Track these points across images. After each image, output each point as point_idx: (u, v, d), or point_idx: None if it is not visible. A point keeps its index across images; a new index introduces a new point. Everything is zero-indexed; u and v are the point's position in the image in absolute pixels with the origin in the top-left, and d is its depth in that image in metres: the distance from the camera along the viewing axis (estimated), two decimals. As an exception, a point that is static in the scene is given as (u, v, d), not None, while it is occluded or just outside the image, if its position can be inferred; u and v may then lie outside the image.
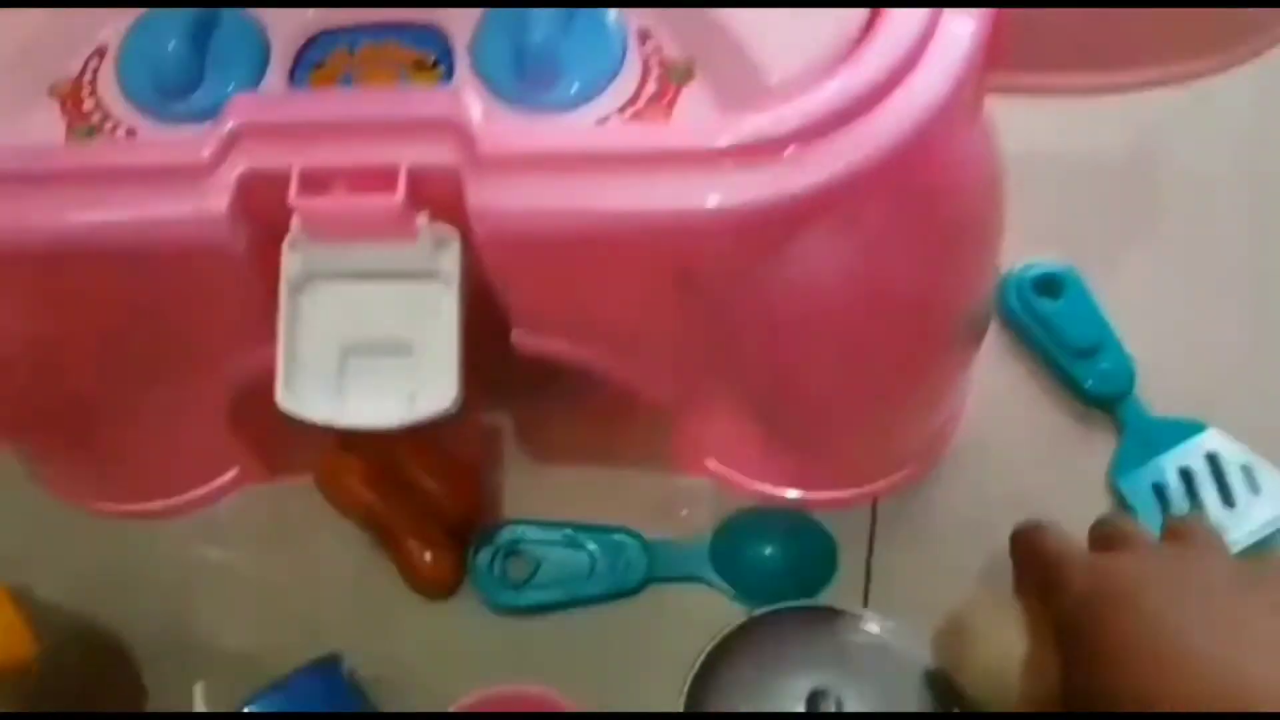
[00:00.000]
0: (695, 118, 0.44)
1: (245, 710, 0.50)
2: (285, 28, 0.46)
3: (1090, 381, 0.61)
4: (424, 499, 0.60)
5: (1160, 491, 0.58)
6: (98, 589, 0.59)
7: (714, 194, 0.41)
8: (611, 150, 0.42)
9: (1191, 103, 0.56)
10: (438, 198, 0.42)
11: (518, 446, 0.62)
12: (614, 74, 0.45)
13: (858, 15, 0.43)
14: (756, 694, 0.54)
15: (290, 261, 0.43)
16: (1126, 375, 0.61)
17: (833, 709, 0.53)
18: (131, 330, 0.48)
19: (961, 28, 0.42)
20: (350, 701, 0.53)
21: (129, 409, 0.54)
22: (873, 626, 0.57)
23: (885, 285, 0.45)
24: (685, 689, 0.55)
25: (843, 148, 0.40)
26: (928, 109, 0.41)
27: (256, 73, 0.45)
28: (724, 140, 0.41)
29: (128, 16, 0.47)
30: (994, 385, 0.62)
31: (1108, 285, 0.63)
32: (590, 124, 0.44)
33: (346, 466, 0.60)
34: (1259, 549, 0.57)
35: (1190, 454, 0.59)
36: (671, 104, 0.44)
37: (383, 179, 0.41)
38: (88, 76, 0.46)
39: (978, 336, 0.56)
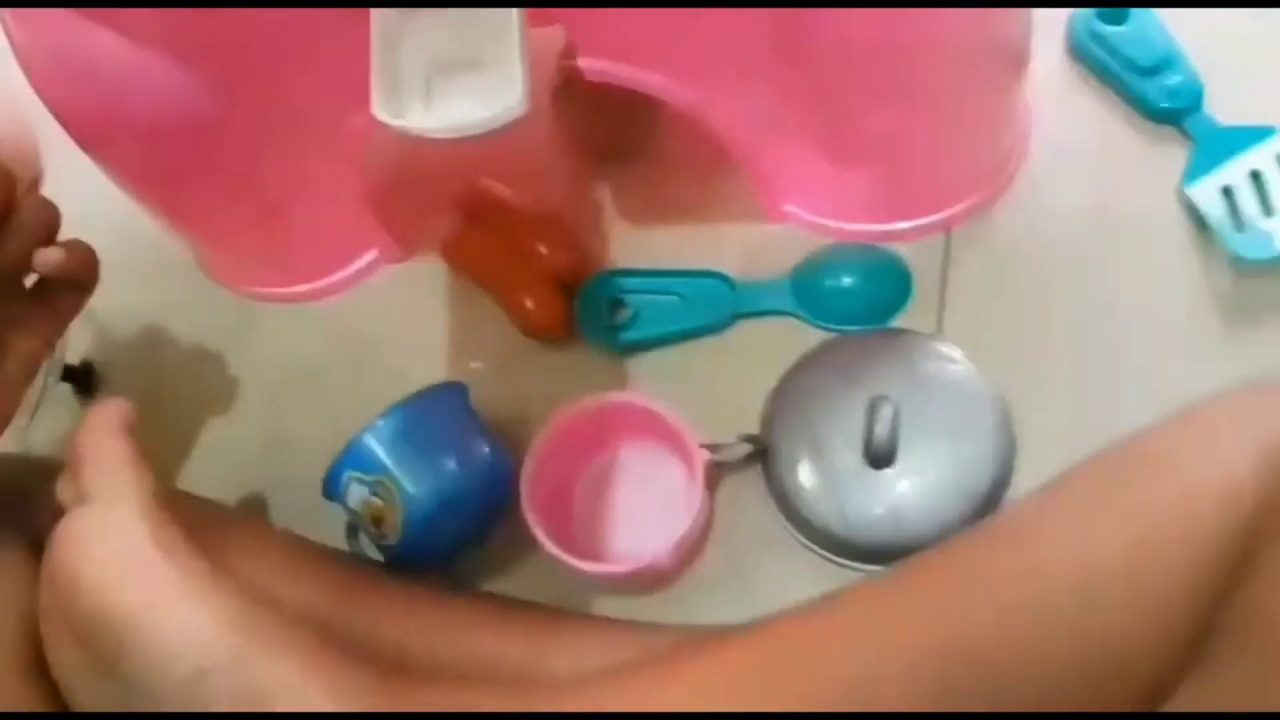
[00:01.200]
0: None
1: (379, 422, 0.58)
2: None
3: (1158, 96, 0.62)
4: (536, 259, 0.66)
5: (1229, 193, 0.60)
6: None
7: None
8: None
9: None
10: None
11: (618, 209, 0.68)
12: None
13: None
14: (824, 401, 0.59)
15: (380, -4, 0.50)
16: (1194, 89, 0.62)
17: (889, 415, 0.57)
18: (256, 78, 0.56)
19: None
20: (471, 419, 0.61)
21: (277, 180, 0.63)
22: (941, 347, 0.60)
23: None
24: (765, 400, 0.61)
25: None
26: None
27: None
28: None
29: None
30: (1065, 112, 0.65)
31: (1172, 11, 0.65)
32: None
33: (468, 237, 0.68)
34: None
35: (1260, 157, 0.60)
36: None
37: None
38: None
39: (1011, 60, 0.59)
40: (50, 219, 0.55)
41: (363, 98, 0.50)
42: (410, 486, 0.57)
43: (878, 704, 0.40)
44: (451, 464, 0.59)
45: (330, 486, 0.59)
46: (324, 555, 0.59)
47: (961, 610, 0.41)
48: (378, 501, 0.57)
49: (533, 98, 0.50)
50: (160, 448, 0.66)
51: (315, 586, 0.56)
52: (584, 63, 0.54)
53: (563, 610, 0.58)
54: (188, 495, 0.60)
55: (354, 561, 0.60)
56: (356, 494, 0.58)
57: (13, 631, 0.47)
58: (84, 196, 0.61)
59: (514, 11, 0.50)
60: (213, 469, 0.67)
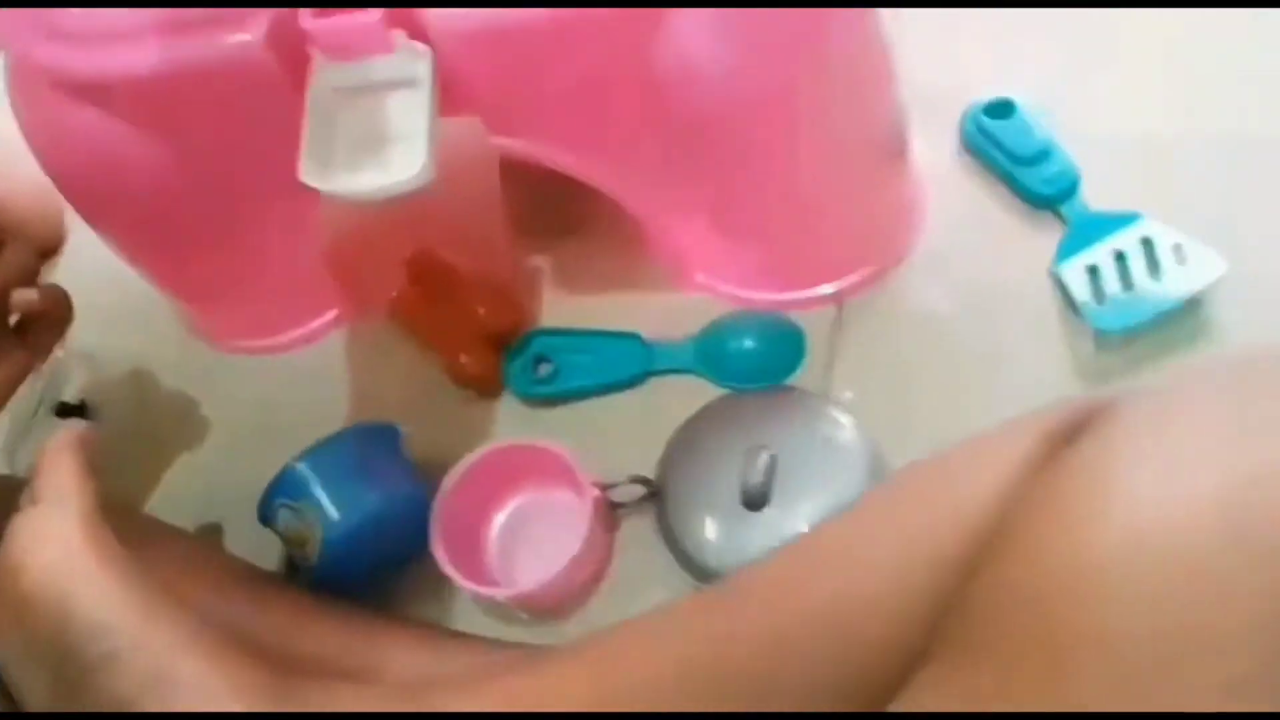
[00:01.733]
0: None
1: (311, 452, 0.65)
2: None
3: (1037, 184, 0.68)
4: (474, 319, 0.73)
5: (1094, 272, 0.65)
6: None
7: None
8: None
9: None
10: (408, 18, 0.56)
11: (551, 276, 0.75)
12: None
13: None
14: (712, 449, 0.65)
15: (313, 79, 0.58)
16: (1069, 178, 0.68)
17: (764, 462, 0.62)
18: (220, 154, 0.63)
19: None
20: (398, 457, 0.67)
21: (242, 244, 0.71)
22: (825, 405, 0.66)
23: (760, 70, 0.56)
24: (665, 448, 0.66)
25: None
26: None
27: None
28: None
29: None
30: (954, 199, 0.71)
31: (1055, 110, 0.71)
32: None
33: (412, 297, 0.75)
34: (1186, 309, 0.63)
35: (1125, 239, 0.65)
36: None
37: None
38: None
39: (882, 150, 0.65)
40: (29, 266, 0.63)
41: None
42: (332, 513, 0.63)
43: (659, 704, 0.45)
44: (374, 495, 0.65)
45: (264, 512, 0.65)
46: (255, 575, 0.65)
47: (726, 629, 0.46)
48: (300, 526, 0.64)
49: (436, 170, 0.57)
50: (138, 474, 0.75)
51: (238, 597, 0.62)
52: (496, 141, 0.62)
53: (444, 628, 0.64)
54: (140, 513, 0.67)
55: (284, 585, 0.66)
56: (284, 518, 0.64)
57: None
58: (94, 259, 0.71)
59: (423, 93, 0.57)
60: (179, 494, 0.75)
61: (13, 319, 0.65)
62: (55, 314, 0.64)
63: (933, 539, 0.43)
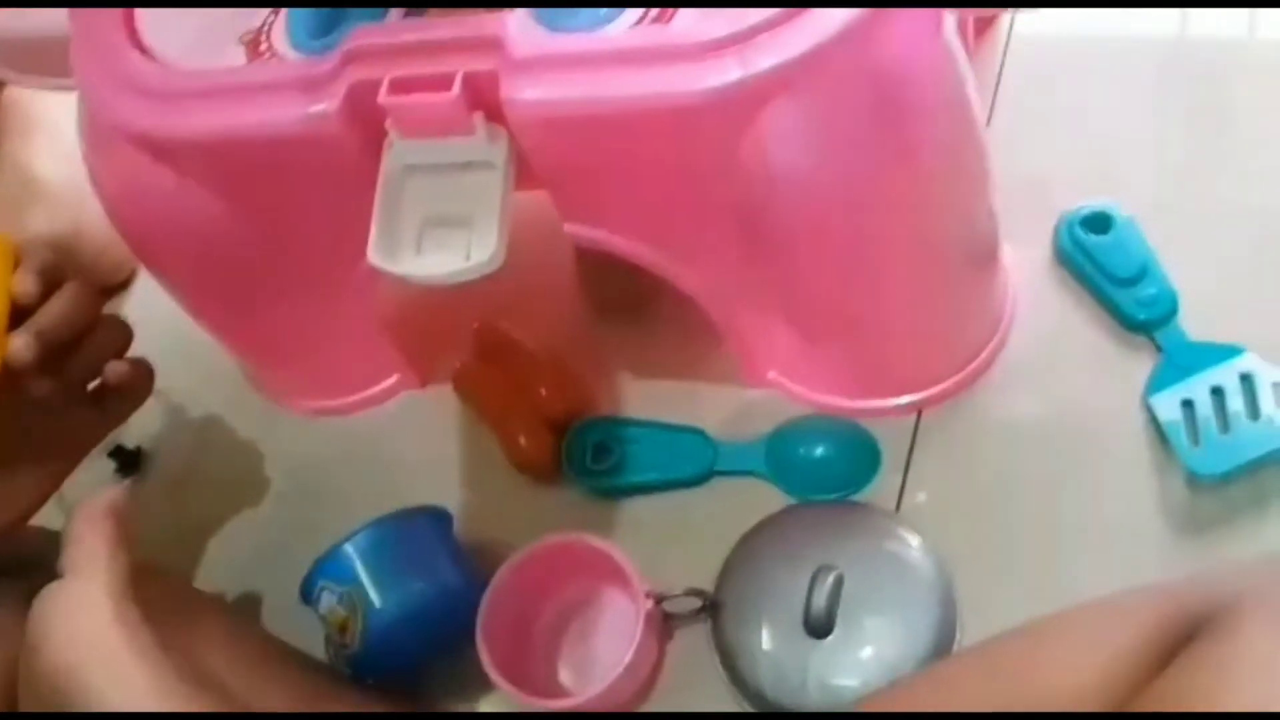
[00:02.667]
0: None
1: (359, 534, 0.63)
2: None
3: (1133, 307, 0.65)
4: (536, 400, 0.71)
5: (1189, 406, 0.61)
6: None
7: (697, 79, 0.50)
8: (614, 49, 0.52)
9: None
10: (488, 100, 0.54)
11: (616, 361, 0.73)
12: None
13: None
14: (775, 565, 0.62)
15: (387, 155, 0.57)
16: (1168, 301, 0.64)
17: (830, 584, 0.59)
18: (290, 221, 0.62)
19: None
20: (448, 544, 0.65)
21: (306, 307, 0.69)
22: (897, 526, 0.62)
23: (853, 175, 0.53)
24: (725, 558, 0.63)
25: (792, 36, 0.49)
26: (866, 12, 0.50)
27: (379, 17, 0.60)
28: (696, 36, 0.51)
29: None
30: (1043, 313, 0.67)
31: (1156, 224, 0.67)
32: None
33: (476, 371, 0.73)
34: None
35: (1224, 374, 0.62)
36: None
37: (447, 82, 0.54)
38: (265, 28, 0.61)
39: (972, 258, 0.62)
40: (123, 336, 0.62)
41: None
42: (376, 600, 0.61)
43: None
44: (420, 584, 0.63)
45: (306, 592, 0.64)
46: (285, 654, 0.63)
47: None
48: (342, 611, 0.62)
49: (507, 254, 0.55)
50: (186, 525, 0.75)
51: (272, 682, 0.60)
52: (569, 228, 0.59)
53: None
54: (176, 580, 0.65)
55: (316, 666, 0.64)
56: (326, 601, 0.62)
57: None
58: (163, 299, 0.71)
59: (498, 177, 0.55)
60: (224, 552, 0.74)
61: (94, 382, 0.64)
62: (137, 385, 0.64)
63: None
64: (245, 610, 0.70)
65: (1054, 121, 0.74)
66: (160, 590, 0.56)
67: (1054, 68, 0.76)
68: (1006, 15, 0.78)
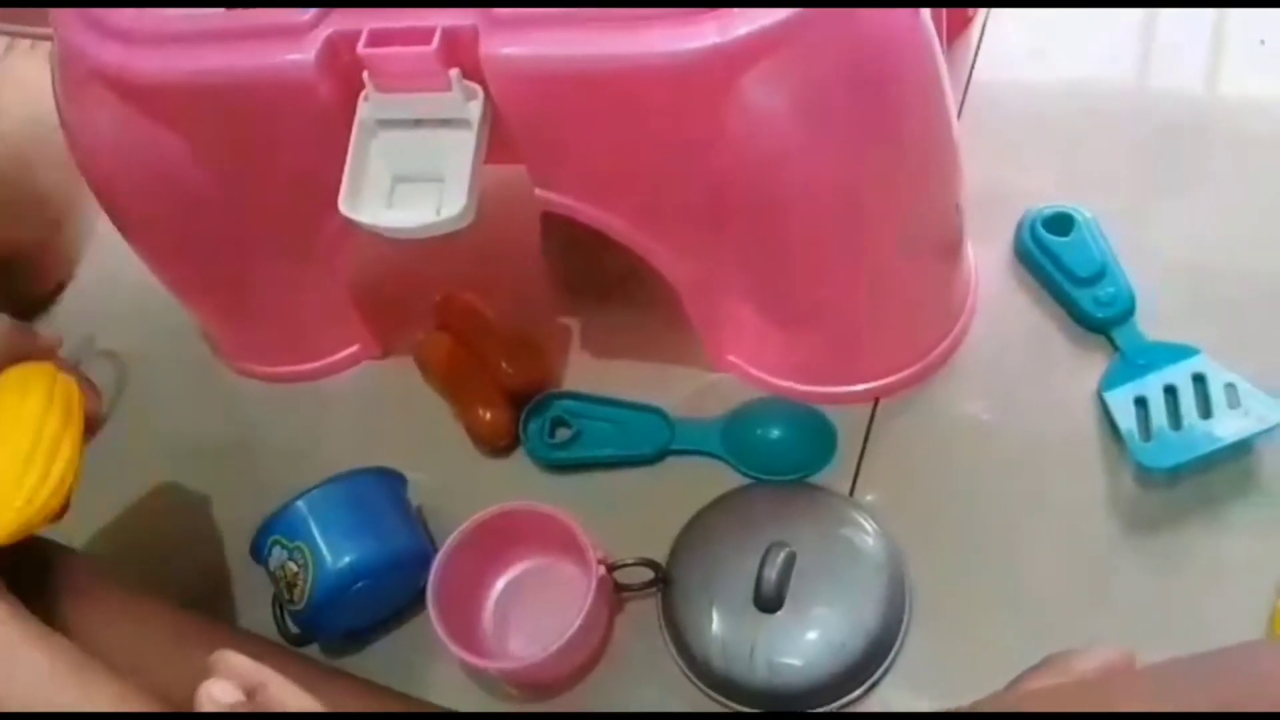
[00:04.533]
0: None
1: (313, 491, 0.62)
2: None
3: (1091, 306, 0.65)
4: (498, 374, 0.71)
5: (1142, 404, 0.62)
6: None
7: (675, 41, 0.51)
8: (595, 11, 0.53)
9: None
10: (466, 57, 0.54)
11: (580, 339, 0.73)
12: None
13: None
14: (727, 542, 0.62)
15: (363, 108, 0.57)
16: (1126, 301, 0.65)
17: (780, 561, 0.59)
18: (261, 171, 0.62)
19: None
20: (401, 507, 0.65)
21: (271, 267, 0.69)
22: (850, 508, 0.63)
23: (828, 147, 0.54)
24: (678, 533, 0.63)
25: (770, 4, 0.50)
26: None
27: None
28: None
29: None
30: (1002, 308, 0.68)
31: (1117, 227, 0.68)
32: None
33: (437, 342, 0.73)
34: (1235, 454, 0.60)
35: (1178, 373, 0.62)
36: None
37: (426, 36, 0.54)
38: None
39: (939, 248, 0.63)
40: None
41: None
42: (327, 557, 0.61)
43: None
44: (370, 543, 0.62)
45: (257, 548, 0.63)
46: (202, 626, 0.61)
47: None
48: (293, 566, 0.61)
49: (476, 213, 0.55)
50: (141, 485, 0.74)
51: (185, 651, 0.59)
52: (540, 193, 0.60)
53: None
54: (72, 558, 0.62)
55: (235, 635, 0.63)
56: (278, 557, 0.62)
57: None
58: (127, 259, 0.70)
59: (472, 135, 0.55)
60: (179, 513, 0.73)
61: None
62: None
63: None
64: (193, 572, 0.70)
65: (1020, 123, 0.75)
66: (57, 572, 0.58)
67: (1023, 72, 0.78)
68: (979, 19, 0.79)
